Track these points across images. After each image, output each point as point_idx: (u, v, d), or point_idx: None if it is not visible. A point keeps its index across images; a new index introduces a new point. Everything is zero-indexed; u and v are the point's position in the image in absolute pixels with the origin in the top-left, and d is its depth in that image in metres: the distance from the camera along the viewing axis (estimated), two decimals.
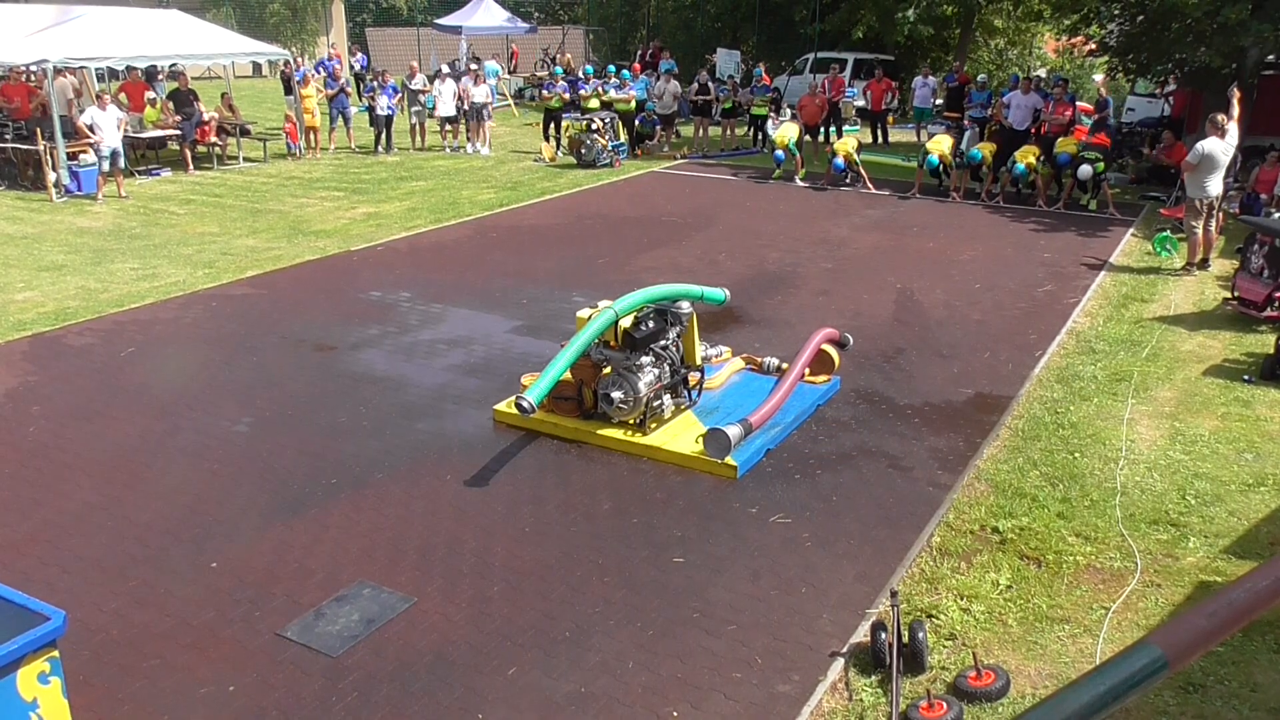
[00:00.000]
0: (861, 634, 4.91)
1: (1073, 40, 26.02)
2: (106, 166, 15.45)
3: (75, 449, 6.94)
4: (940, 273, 11.71)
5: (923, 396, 7.98)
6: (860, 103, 23.31)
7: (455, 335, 9.33)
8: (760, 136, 21.38)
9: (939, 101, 22.78)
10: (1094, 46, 21.86)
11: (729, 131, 21.62)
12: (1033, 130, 17.29)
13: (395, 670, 4.63)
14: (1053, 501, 6.28)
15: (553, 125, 20.65)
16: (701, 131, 21.10)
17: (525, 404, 6.37)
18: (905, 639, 4.68)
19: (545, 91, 21.42)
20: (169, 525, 5.92)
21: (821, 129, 20.39)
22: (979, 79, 21.06)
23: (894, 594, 4.99)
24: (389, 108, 20.23)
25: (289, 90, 20.20)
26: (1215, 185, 11.59)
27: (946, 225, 14.44)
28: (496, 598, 5.22)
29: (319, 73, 21.92)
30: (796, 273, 11.65)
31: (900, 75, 26.12)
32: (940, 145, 16.39)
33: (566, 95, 20.96)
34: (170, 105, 17.92)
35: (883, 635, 4.67)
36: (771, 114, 21.31)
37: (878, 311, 10.22)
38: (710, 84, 21.52)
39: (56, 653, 3.71)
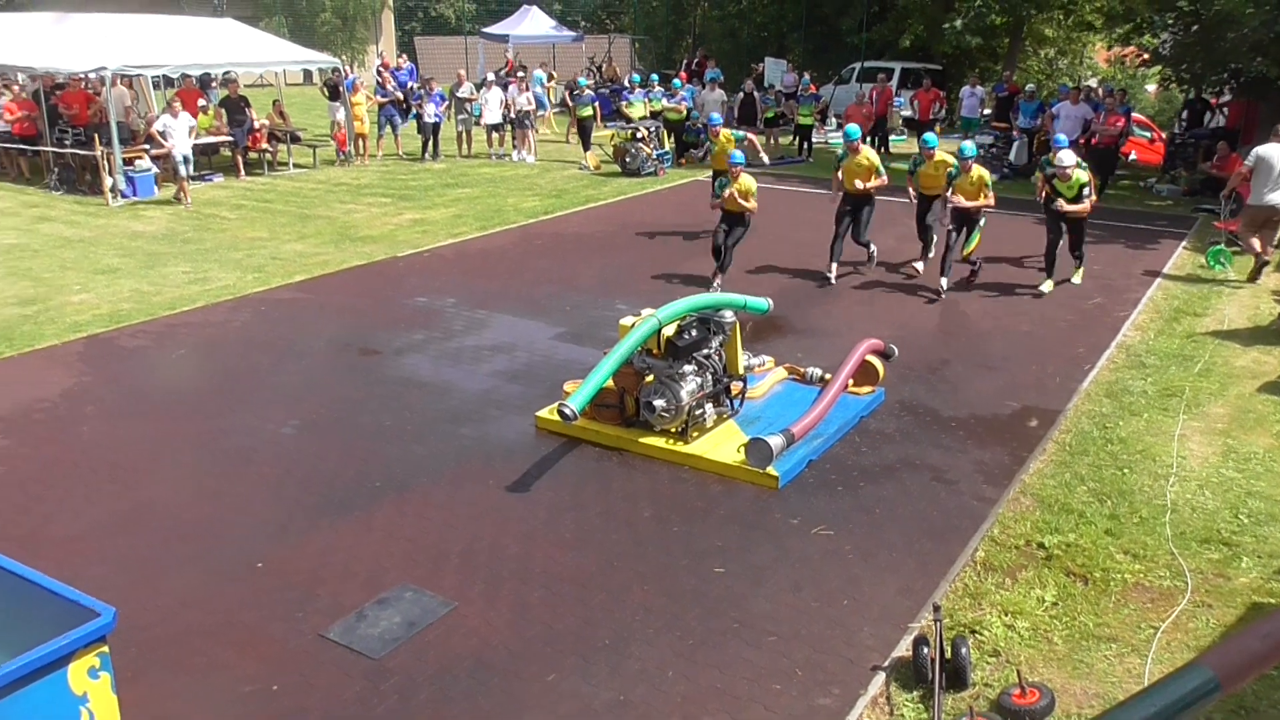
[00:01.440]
0: (903, 648, 4.86)
1: (1125, 50, 25.66)
2: (183, 171, 15.58)
3: (127, 448, 7.07)
4: (987, 284, 11.58)
5: (968, 409, 7.90)
6: (907, 112, 23.18)
7: (499, 341, 9.39)
8: (806, 146, 21.31)
9: (987, 112, 22.56)
10: (1146, 57, 21.58)
11: (774, 141, 21.56)
12: (1082, 141, 17.07)
13: (436, 674, 4.66)
14: (1100, 518, 6.18)
15: (584, 136, 20.44)
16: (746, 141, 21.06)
17: (568, 411, 6.39)
18: (948, 654, 4.62)
19: (572, 102, 21.41)
20: (217, 525, 6.01)
21: (867, 139, 20.24)
22: (1027, 88, 20.83)
23: (937, 608, 4.94)
24: (436, 115, 20.43)
25: (333, 97, 20.46)
26: (1276, 195, 11.35)
27: (995, 236, 14.24)
28: (537, 603, 5.24)
29: (384, 77, 22.12)
30: (840, 283, 11.58)
31: (948, 85, 25.91)
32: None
33: (597, 105, 20.91)
34: (223, 112, 18.21)
35: (925, 650, 4.62)
36: (818, 123, 21.23)
37: (923, 322, 10.14)
38: (755, 93, 21.49)
39: (106, 648, 3.78)
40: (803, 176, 19.20)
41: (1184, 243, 14.08)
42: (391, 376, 8.46)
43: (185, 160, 15.60)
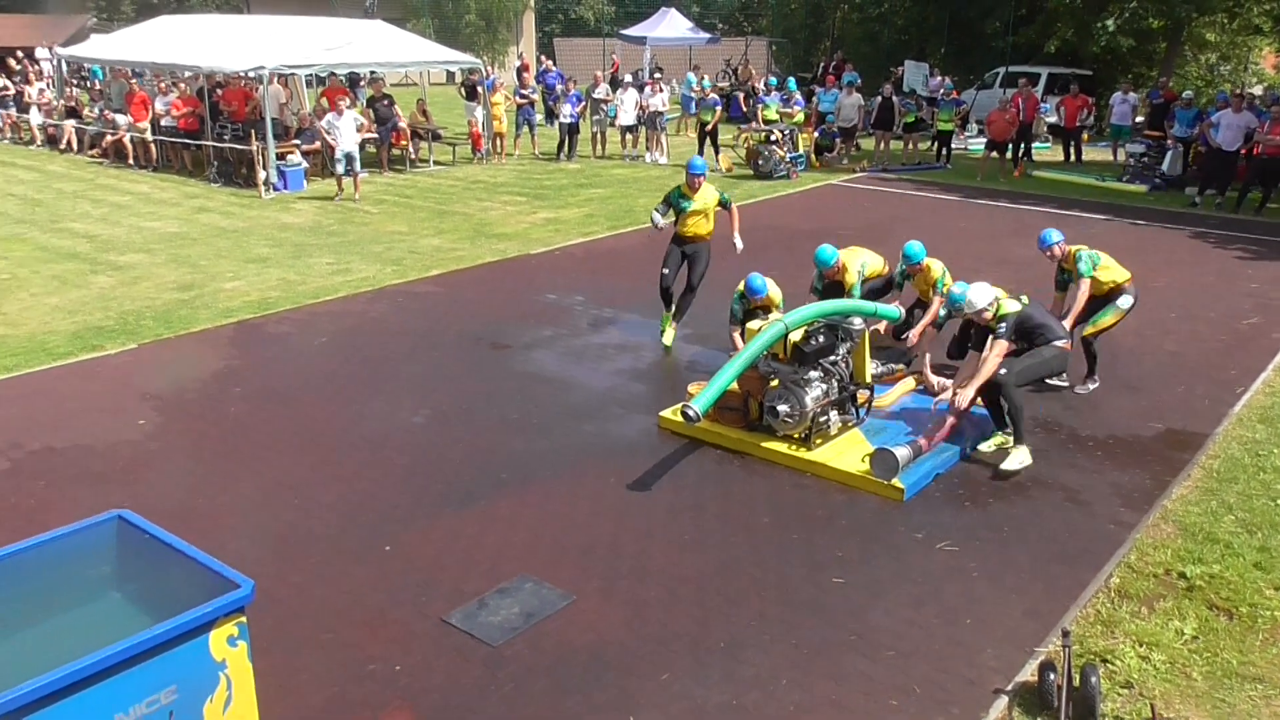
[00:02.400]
0: (1028, 673, 4.70)
1: None
2: (342, 169, 15.96)
3: (270, 429, 7.41)
4: None
5: (1107, 428, 7.58)
6: (1053, 119, 22.37)
7: (625, 340, 9.47)
8: (945, 152, 20.81)
9: (1139, 119, 21.59)
10: None
11: (912, 146, 21.12)
12: (1244, 152, 16.16)
13: (551, 665, 4.73)
14: (1249, 550, 5.84)
15: (707, 140, 20.30)
16: (882, 145, 20.71)
17: (691, 412, 6.40)
18: (1076, 682, 4.44)
19: (683, 107, 21.32)
20: (349, 508, 6.24)
21: (1010, 146, 19.62)
22: (1184, 95, 19.83)
23: (1066, 634, 4.75)
24: (572, 116, 20.74)
25: (470, 97, 20.98)
26: None
27: (1142, 249, 13.65)
28: (653, 602, 5.27)
29: (525, 78, 22.60)
30: None
31: (1097, 91, 24.88)
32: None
33: (719, 109, 20.74)
34: (371, 111, 18.84)
35: (1051, 676, 4.45)
36: (957, 130, 20.70)
37: None
38: (894, 97, 21.08)
39: (244, 618, 3.97)
40: (939, 183, 18.76)
41: None
42: (519, 371, 8.63)
43: (348, 158, 15.96)
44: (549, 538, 5.90)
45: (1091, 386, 8.18)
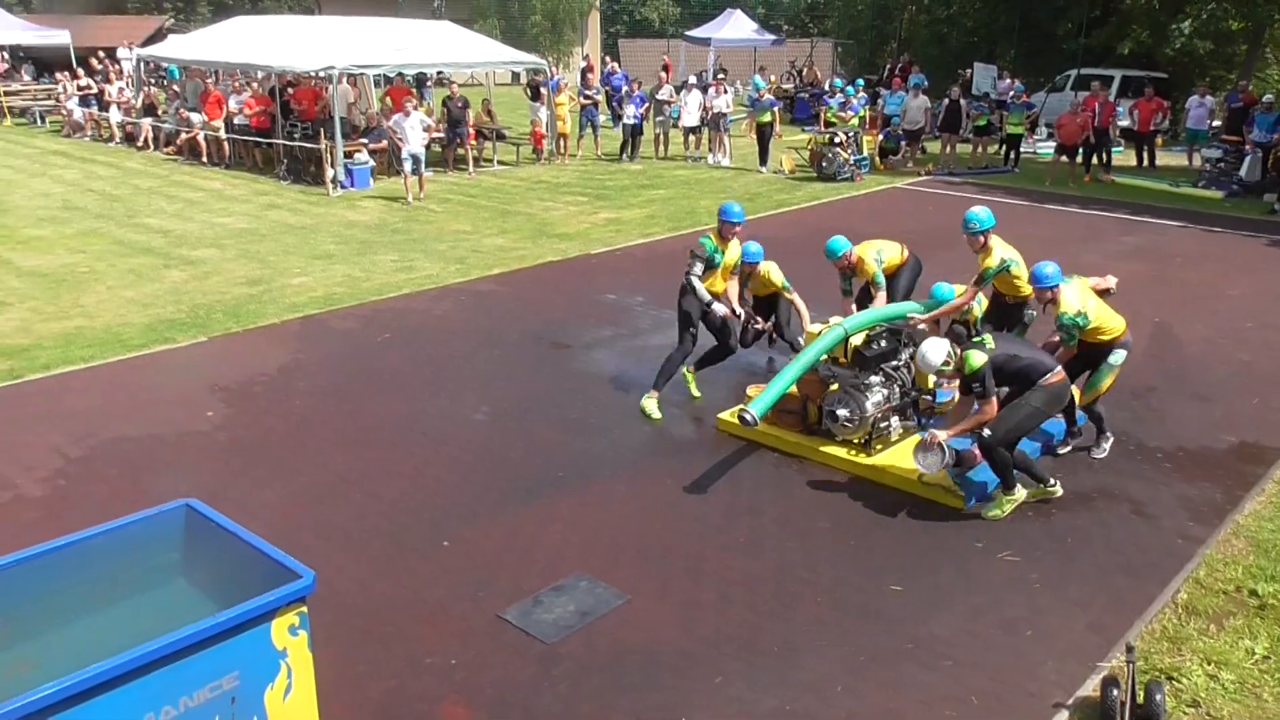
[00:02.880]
0: (1090, 688, 4.60)
1: None
2: (408, 168, 16.06)
3: (333, 424, 7.54)
4: (1204, 307, 10.80)
5: (1175, 440, 7.39)
6: (1125, 123, 21.86)
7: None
8: (1013, 156, 20.45)
9: (1216, 123, 21.00)
10: None
11: (980, 149, 20.78)
12: None
13: (605, 664, 4.75)
14: None
15: (761, 142, 20.01)
16: (949, 148, 20.42)
17: (748, 416, 6.38)
18: (1140, 699, 4.34)
19: (752, 108, 21.19)
20: (410, 503, 6.32)
21: (1080, 150, 19.18)
22: (1265, 99, 19.24)
23: (1130, 649, 4.64)
24: (635, 117, 20.77)
25: (535, 97, 21.12)
26: None
27: (1215, 256, 13.32)
28: (707, 604, 5.26)
29: (590, 79, 22.71)
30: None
31: (1173, 94, 24.26)
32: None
33: (778, 110, 20.55)
34: (447, 110, 18.99)
35: (1115, 692, 4.35)
36: (1026, 133, 20.34)
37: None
38: (962, 100, 20.77)
39: (305, 608, 4.04)
40: (1007, 187, 18.45)
41: None
42: (579, 370, 8.67)
43: (413, 159, 16.09)
44: (606, 537, 5.92)
45: (1106, 446, 7.13)
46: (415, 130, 16.01)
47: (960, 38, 32.31)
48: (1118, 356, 6.85)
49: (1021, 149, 20.76)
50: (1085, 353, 6.84)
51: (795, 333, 8.44)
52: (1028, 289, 7.36)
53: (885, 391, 6.92)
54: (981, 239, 7.50)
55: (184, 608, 4.15)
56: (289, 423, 7.56)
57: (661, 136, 21.45)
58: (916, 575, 5.55)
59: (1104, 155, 19.20)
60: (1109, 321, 6.80)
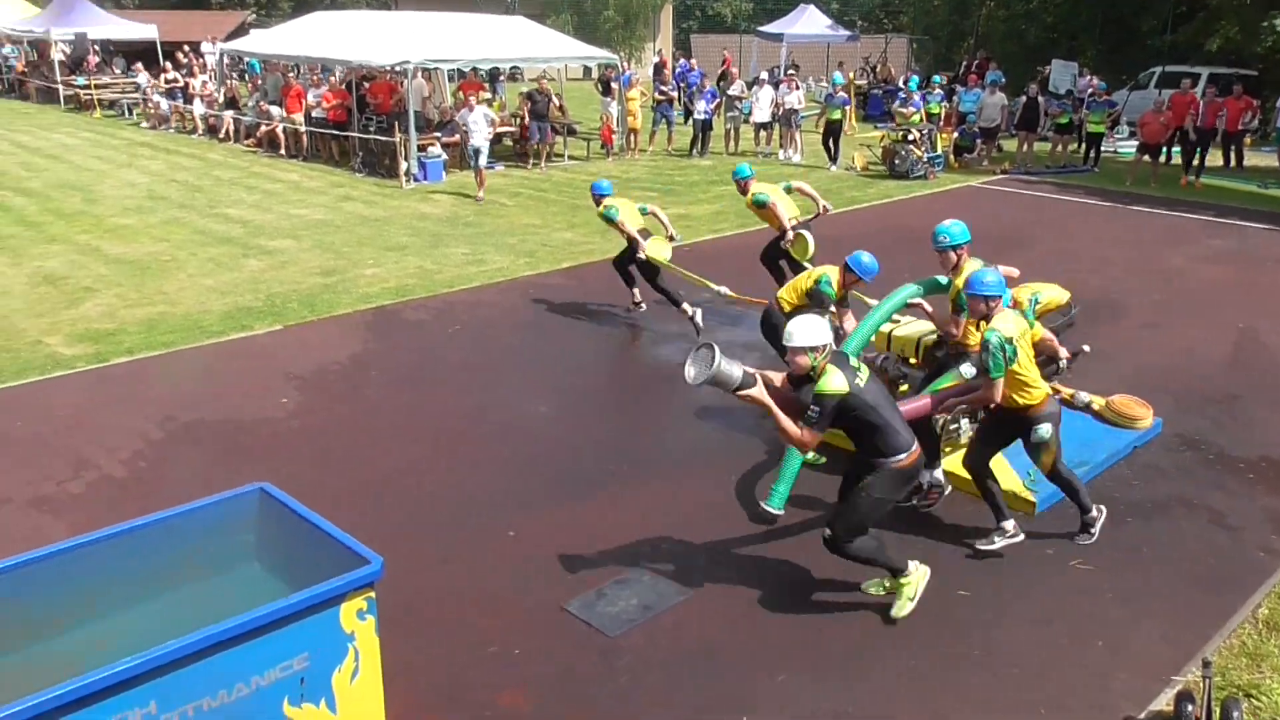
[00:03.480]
0: (1163, 702, 4.48)
1: None
2: (483, 161, 16.19)
3: (403, 413, 7.65)
4: None
5: (1259, 449, 7.15)
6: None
7: (752, 339, 9.39)
8: (1094, 155, 19.97)
9: None
10: None
11: (1060, 148, 20.31)
12: None
13: (666, 659, 4.75)
14: None
15: (831, 141, 19.74)
16: (1026, 147, 20.01)
17: (769, 515, 5.99)
18: (1216, 715, 4.22)
19: (826, 103, 20.91)
20: (475, 492, 6.40)
21: (1180, 151, 18.57)
22: None
23: (1206, 664, 4.51)
24: (706, 112, 20.71)
25: (606, 92, 21.16)
26: None
27: None
28: (771, 603, 5.23)
29: (664, 75, 22.70)
30: (1121, 303, 10.78)
31: (1263, 93, 23.44)
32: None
33: (848, 108, 20.25)
34: (529, 104, 19.08)
35: (1189, 708, 4.23)
36: (1107, 132, 19.82)
37: (1213, 351, 9.26)
38: (1040, 97, 20.33)
39: (373, 594, 4.11)
40: (1086, 187, 18.02)
41: None
42: (645, 366, 8.68)
43: (476, 152, 16.23)
44: (670, 532, 5.92)
45: (1095, 531, 5.87)
46: (479, 124, 16.17)
47: (1039, 33, 31.61)
48: (1043, 432, 5.56)
49: (1102, 148, 20.26)
50: (1000, 417, 5.63)
51: None
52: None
53: None
54: (954, 256, 6.45)
55: (256, 589, 4.25)
56: (360, 411, 7.70)
57: (732, 132, 21.35)
58: (984, 580, 5.46)
59: (1201, 150, 18.49)
60: (1033, 376, 5.52)
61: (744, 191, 9.49)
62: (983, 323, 5.60)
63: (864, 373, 4.87)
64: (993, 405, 5.53)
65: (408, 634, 4.88)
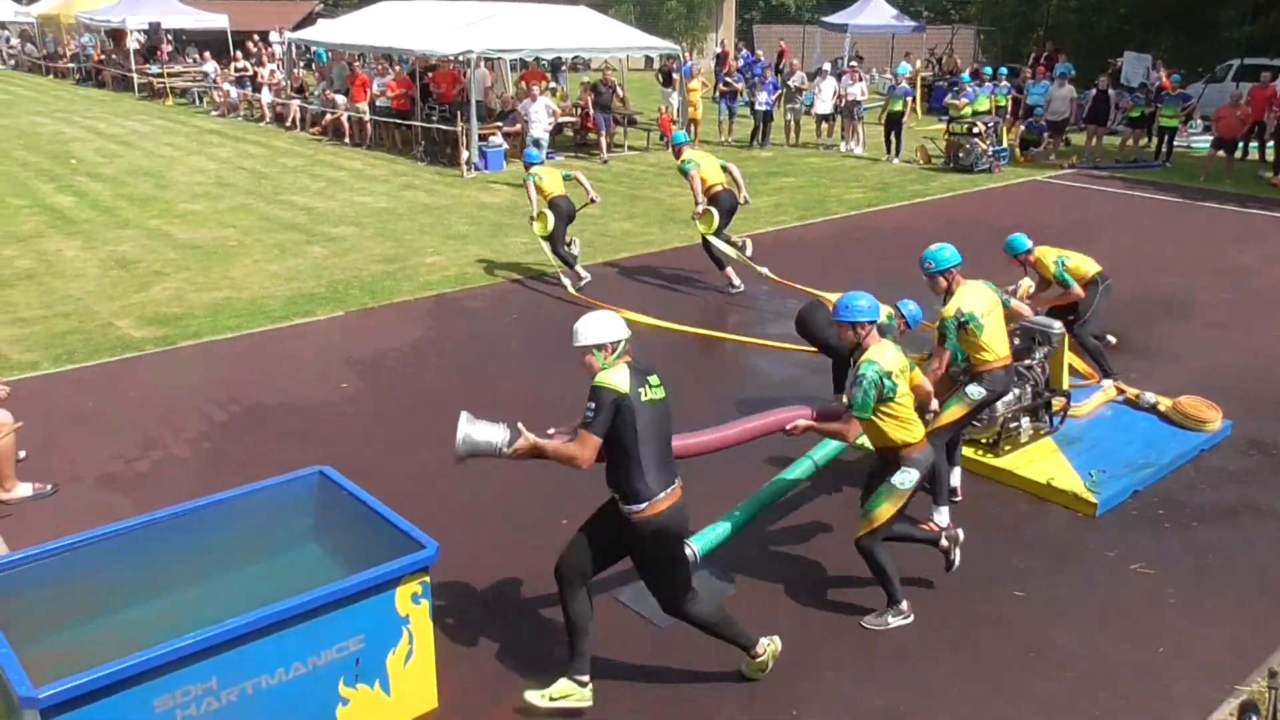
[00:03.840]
0: (1226, 711, 4.38)
1: None
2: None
3: (459, 399, 7.67)
4: None
5: None
6: None
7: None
8: (1165, 150, 19.47)
9: None
10: None
11: (1130, 142, 19.82)
12: None
13: (716, 652, 4.74)
14: None
15: (893, 133, 19.48)
16: (1095, 141, 19.57)
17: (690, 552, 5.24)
18: None
19: (888, 95, 20.57)
20: (528, 480, 6.43)
21: (1242, 145, 18.07)
22: None
23: (1274, 674, 4.37)
24: (767, 104, 20.56)
25: (667, 82, 21.08)
26: None
27: None
28: (822, 600, 5.21)
29: (728, 65, 22.60)
30: (1189, 301, 10.52)
31: None
32: None
33: (909, 100, 19.88)
34: (592, 94, 19.08)
35: (1254, 718, 4.13)
36: (1180, 126, 19.30)
37: None
38: (1110, 90, 19.86)
39: (428, 578, 4.18)
40: (1156, 182, 17.58)
41: None
42: (700, 358, 8.66)
43: (535, 143, 16.36)
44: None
45: (892, 620, 5.00)
46: (540, 115, 16.22)
47: (1111, 25, 30.88)
48: (905, 479, 4.89)
49: (1175, 143, 19.75)
50: (881, 453, 5.02)
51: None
52: (993, 354, 5.83)
53: (1017, 391, 6.69)
54: (943, 281, 5.90)
55: (314, 570, 4.34)
56: (417, 396, 7.79)
57: (793, 124, 21.18)
58: (1040, 581, 5.38)
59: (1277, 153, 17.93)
60: (910, 414, 4.93)
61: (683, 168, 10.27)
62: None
63: (654, 393, 4.35)
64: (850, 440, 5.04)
65: (459, 620, 4.94)
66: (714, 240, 10.18)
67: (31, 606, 3.94)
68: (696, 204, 10.16)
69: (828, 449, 5.75)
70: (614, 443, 4.24)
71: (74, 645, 3.76)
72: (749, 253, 10.47)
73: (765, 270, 10.16)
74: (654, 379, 4.41)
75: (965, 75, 21.55)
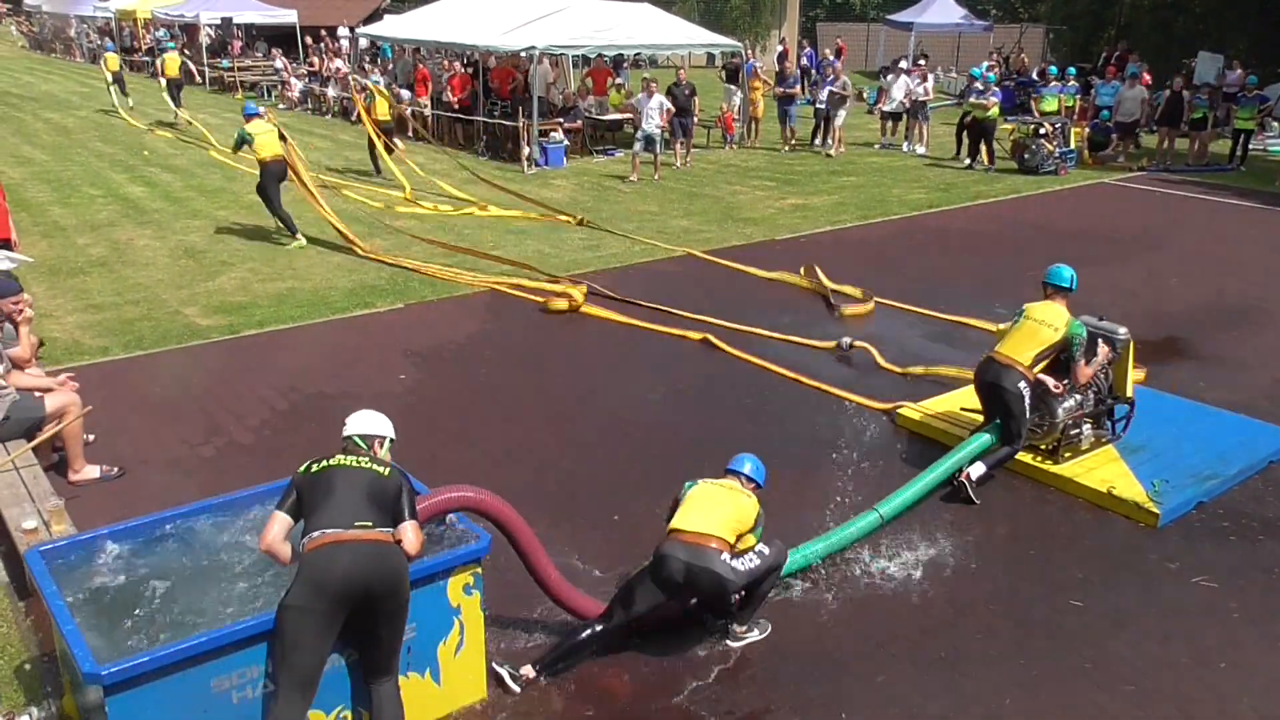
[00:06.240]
0: None
1: None
2: (639, 147, 16.54)
3: (514, 393, 7.78)
4: None
5: None
6: None
7: (864, 333, 9.25)
8: (1240, 153, 18.92)
9: None
10: None
11: (1197, 144, 19.28)
12: None
13: (764, 655, 4.73)
14: None
15: (983, 139, 18.52)
16: (1167, 143, 19.09)
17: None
18: None
19: (973, 98, 20.07)
20: (581, 475, 6.47)
21: None
22: None
23: None
24: (825, 102, 20.34)
25: (731, 80, 20.95)
26: None
27: None
28: (875, 604, 5.16)
29: (788, 64, 22.44)
30: (1262, 308, 10.22)
31: None
32: None
33: (994, 100, 19.34)
34: (671, 98, 19.05)
35: None
36: (1257, 129, 18.76)
37: None
38: (1184, 91, 19.34)
39: (480, 570, 4.22)
40: (1230, 187, 17.11)
41: None
42: (756, 354, 8.61)
43: (646, 139, 16.44)
44: (773, 525, 5.86)
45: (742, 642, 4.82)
46: (654, 111, 16.30)
47: (1187, 24, 30.08)
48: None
49: (1250, 145, 19.19)
50: None
51: None
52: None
53: (1079, 397, 6.56)
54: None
55: None
56: (472, 389, 7.87)
57: (821, 125, 20.46)
58: (1099, 592, 5.27)
59: None
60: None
61: None
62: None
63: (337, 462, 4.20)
64: None
65: (509, 612, 4.97)
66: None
67: (97, 585, 4.05)
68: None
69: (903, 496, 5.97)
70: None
71: (133, 626, 3.85)
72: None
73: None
74: (343, 459, 4.26)
75: (1053, 69, 20.99)
